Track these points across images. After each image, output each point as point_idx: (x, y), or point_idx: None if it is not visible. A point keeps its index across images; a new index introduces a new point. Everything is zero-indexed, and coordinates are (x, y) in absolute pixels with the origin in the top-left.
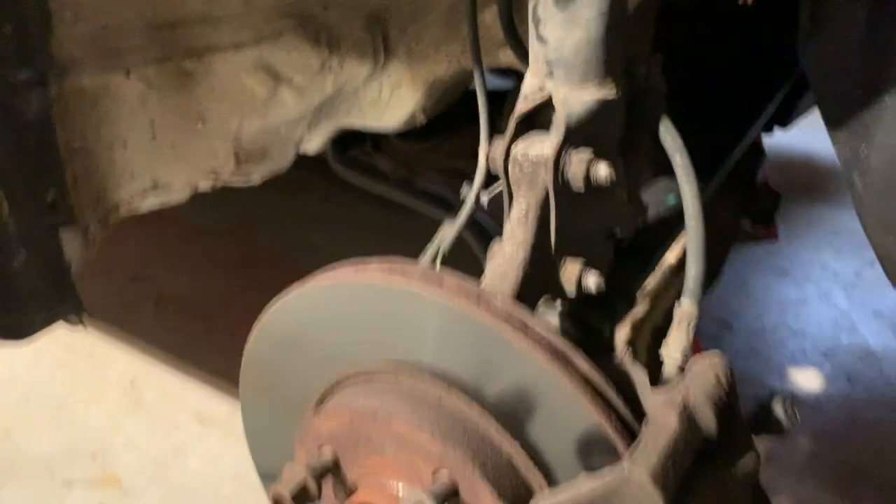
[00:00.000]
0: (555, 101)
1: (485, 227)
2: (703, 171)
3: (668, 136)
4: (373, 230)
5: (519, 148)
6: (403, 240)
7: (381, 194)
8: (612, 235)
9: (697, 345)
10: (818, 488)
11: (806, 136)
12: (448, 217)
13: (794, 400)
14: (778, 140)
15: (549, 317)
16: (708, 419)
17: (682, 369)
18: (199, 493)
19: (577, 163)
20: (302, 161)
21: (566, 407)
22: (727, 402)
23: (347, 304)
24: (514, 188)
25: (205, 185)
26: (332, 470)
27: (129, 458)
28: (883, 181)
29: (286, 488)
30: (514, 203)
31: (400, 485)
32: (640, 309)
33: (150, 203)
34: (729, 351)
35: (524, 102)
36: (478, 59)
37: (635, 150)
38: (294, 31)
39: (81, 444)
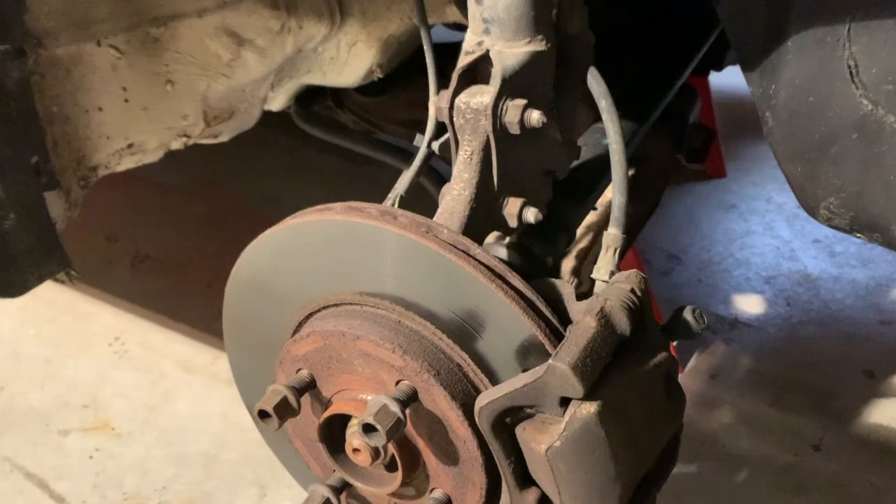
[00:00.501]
0: (491, 56)
1: (440, 173)
2: (637, 113)
3: (595, 82)
4: (336, 180)
5: (462, 98)
6: (366, 188)
7: (344, 146)
8: (549, 174)
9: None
10: (756, 400)
11: None
12: (406, 165)
13: (703, 309)
14: (725, 81)
15: (498, 247)
16: (622, 321)
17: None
18: (189, 433)
19: (513, 109)
20: (264, 118)
21: (505, 320)
22: (640, 309)
23: (313, 240)
24: (459, 135)
25: (177, 144)
26: (310, 388)
27: (120, 406)
28: (789, 115)
29: (269, 403)
30: (460, 148)
31: (369, 396)
32: (583, 241)
33: (127, 163)
34: (678, 282)
35: (464, 58)
36: (422, 16)
37: (568, 97)
38: None
39: (73, 395)
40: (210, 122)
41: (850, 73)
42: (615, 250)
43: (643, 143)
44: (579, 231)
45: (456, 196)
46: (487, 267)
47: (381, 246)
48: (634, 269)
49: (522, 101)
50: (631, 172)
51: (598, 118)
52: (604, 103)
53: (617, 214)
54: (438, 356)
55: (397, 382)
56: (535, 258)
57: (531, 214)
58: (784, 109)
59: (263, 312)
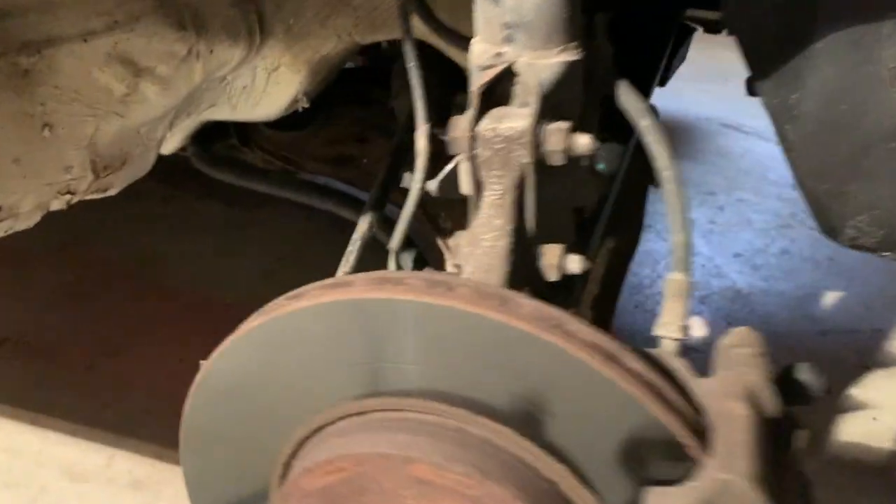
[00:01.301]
0: (518, 69)
1: (393, 219)
2: (620, 135)
3: (629, 97)
4: (224, 230)
5: (487, 125)
6: (255, 239)
7: (264, 191)
8: (578, 212)
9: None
10: None
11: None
12: (345, 209)
13: (815, 366)
14: None
15: None
16: (770, 401)
17: (685, 348)
18: None
19: (555, 134)
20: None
21: (621, 412)
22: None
23: (327, 328)
24: (483, 171)
25: (58, 203)
26: None
27: None
28: (816, 128)
29: None
30: (485, 187)
31: None
32: (592, 286)
33: None
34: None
35: (483, 73)
36: (407, 28)
37: (592, 116)
38: (153, 13)
39: None
40: (99, 174)
41: (890, 76)
42: (683, 298)
43: (627, 166)
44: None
45: (489, 249)
46: (594, 346)
47: (432, 328)
48: (746, 328)
49: (564, 125)
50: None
51: None
52: (645, 122)
53: (681, 255)
54: (526, 475)
55: None
56: None
57: (574, 263)
58: (810, 121)
59: (252, 432)
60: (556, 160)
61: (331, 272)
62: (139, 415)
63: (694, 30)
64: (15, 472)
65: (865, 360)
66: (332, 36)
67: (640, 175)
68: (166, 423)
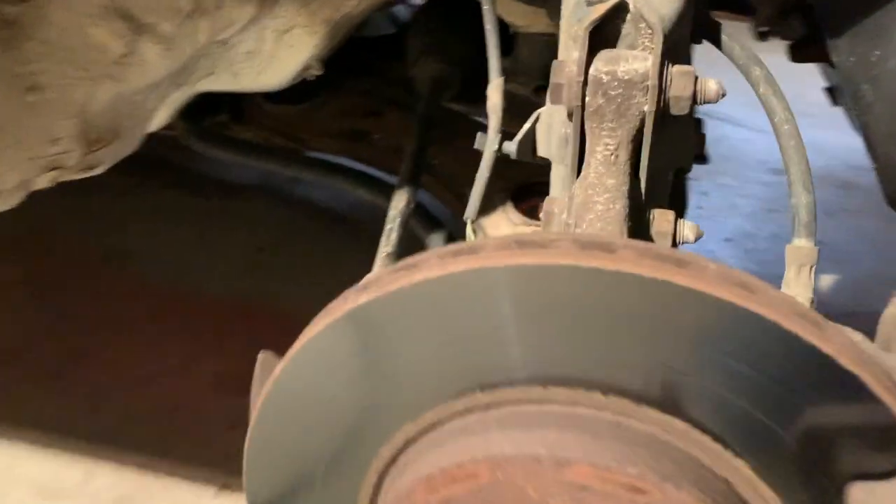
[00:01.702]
0: (634, 2)
1: (427, 209)
2: None
3: (737, 46)
4: (194, 221)
5: (601, 67)
6: (232, 230)
7: (267, 169)
8: (677, 174)
9: None
10: None
11: None
12: (360, 188)
13: None
14: None
15: None
16: None
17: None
18: None
19: (681, 78)
20: None
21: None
22: None
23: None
24: (593, 122)
25: (44, 181)
26: None
27: None
28: None
29: None
30: (593, 141)
31: None
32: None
33: None
34: None
35: (592, 10)
36: None
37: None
38: None
39: None
40: (91, 147)
41: None
42: (810, 268)
43: None
44: None
45: (603, 213)
46: (803, 315)
47: (595, 300)
48: None
49: (691, 68)
50: None
51: None
52: (758, 72)
53: (807, 220)
54: (702, 474)
55: None
56: None
57: (690, 231)
58: (893, 80)
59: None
60: (682, 108)
61: (317, 261)
62: (118, 423)
63: None
64: None
65: None
66: None
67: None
68: (149, 430)
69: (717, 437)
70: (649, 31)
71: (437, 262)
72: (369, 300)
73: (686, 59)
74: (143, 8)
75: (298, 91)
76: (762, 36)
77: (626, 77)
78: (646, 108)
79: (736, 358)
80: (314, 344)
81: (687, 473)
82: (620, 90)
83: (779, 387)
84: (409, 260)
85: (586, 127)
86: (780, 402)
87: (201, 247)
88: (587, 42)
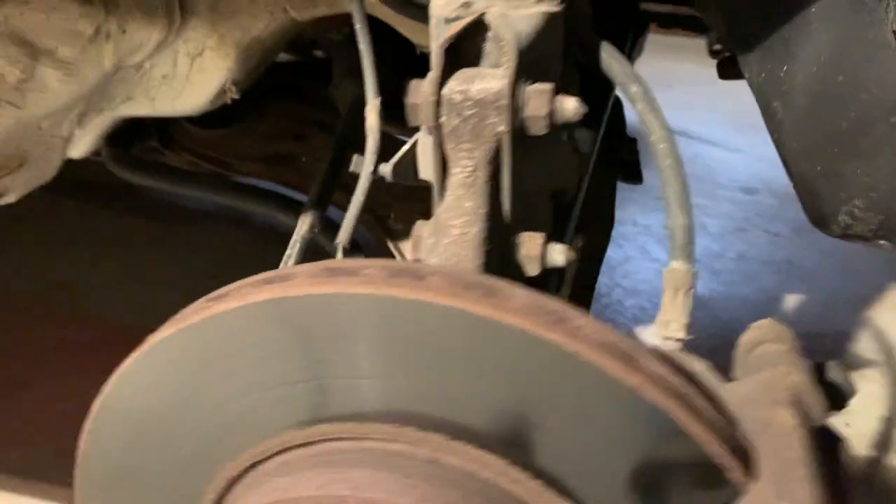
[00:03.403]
0: (490, 21)
1: (337, 223)
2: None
3: (616, 62)
4: (142, 249)
5: (454, 87)
6: (180, 257)
7: (192, 196)
8: (556, 197)
9: None
10: None
11: None
12: (283, 212)
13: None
14: None
15: None
16: (818, 405)
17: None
18: None
19: (537, 97)
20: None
21: (643, 428)
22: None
23: (244, 335)
24: (451, 143)
25: None
26: None
27: None
28: (809, 103)
29: None
30: (453, 163)
31: None
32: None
33: None
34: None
35: (448, 27)
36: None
37: (571, 82)
38: None
39: None
40: None
41: None
42: (686, 292)
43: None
44: None
45: (459, 237)
46: (607, 346)
47: (395, 330)
48: (769, 320)
49: (548, 86)
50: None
51: None
52: (635, 89)
53: (683, 242)
54: None
55: None
56: None
57: (559, 254)
58: (802, 95)
59: (165, 474)
60: (539, 128)
61: None
62: (49, 458)
63: (649, 20)
64: None
65: None
66: (264, 13)
67: (608, 170)
68: None
69: (538, 476)
70: None
71: (244, 291)
72: (174, 332)
73: (552, 77)
74: (40, 33)
75: (224, 115)
76: (714, 54)
77: (479, 96)
78: (501, 128)
79: (542, 390)
80: (134, 372)
81: None
82: (474, 110)
83: (593, 424)
84: (222, 289)
85: (445, 148)
86: (601, 439)
87: (147, 275)
88: (442, 60)
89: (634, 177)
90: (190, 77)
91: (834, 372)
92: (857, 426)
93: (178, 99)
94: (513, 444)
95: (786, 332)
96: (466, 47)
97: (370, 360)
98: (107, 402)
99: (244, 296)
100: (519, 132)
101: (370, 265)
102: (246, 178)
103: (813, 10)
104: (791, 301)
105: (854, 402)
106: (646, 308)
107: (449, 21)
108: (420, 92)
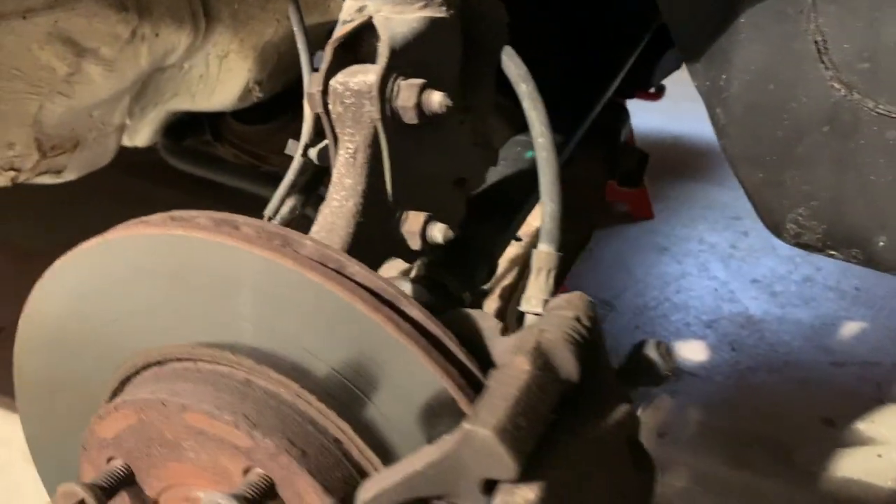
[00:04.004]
0: (375, 22)
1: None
2: (561, 126)
3: (512, 63)
4: None
5: (339, 79)
6: None
7: (226, 184)
8: (461, 184)
9: None
10: (712, 458)
11: (672, 119)
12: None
13: (667, 344)
14: (647, 123)
15: (400, 282)
16: (567, 361)
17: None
18: None
19: (407, 90)
20: (146, 172)
21: (403, 368)
22: (591, 345)
23: (124, 268)
24: (337, 128)
25: (2, 180)
26: (126, 484)
27: None
28: (745, 109)
29: None
30: (340, 146)
31: (208, 494)
32: (507, 278)
33: None
34: (613, 329)
35: (341, 27)
36: None
37: (479, 86)
38: None
39: None
40: (47, 153)
41: (818, 51)
42: (549, 272)
43: (571, 164)
44: (502, 266)
45: (336, 208)
46: (372, 292)
47: (218, 269)
48: (579, 293)
49: (419, 81)
50: None
51: (519, 130)
52: (524, 87)
53: (550, 227)
54: (306, 429)
55: (245, 471)
56: (448, 295)
57: (438, 232)
58: (738, 103)
59: (70, 373)
60: (409, 118)
61: None
62: None
63: None
64: None
65: (882, 394)
66: (272, 20)
67: (597, 171)
68: None
69: (322, 399)
70: None
71: (121, 230)
72: (82, 251)
73: (441, 75)
74: (84, 35)
75: (264, 114)
76: None
77: (356, 87)
78: (376, 116)
79: (318, 327)
80: (55, 276)
81: (287, 427)
82: (353, 99)
83: (351, 354)
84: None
85: (336, 132)
86: (360, 369)
87: None
88: (330, 56)
89: (631, 182)
90: (220, 76)
91: (651, 349)
92: (890, 457)
93: (212, 95)
94: (304, 373)
95: (586, 305)
96: (364, 47)
97: (210, 292)
98: (32, 305)
99: (130, 228)
100: (393, 121)
101: (200, 215)
102: (275, 169)
103: (742, 19)
104: (850, 329)
105: (893, 434)
106: (690, 325)
107: (345, 23)
108: (313, 84)
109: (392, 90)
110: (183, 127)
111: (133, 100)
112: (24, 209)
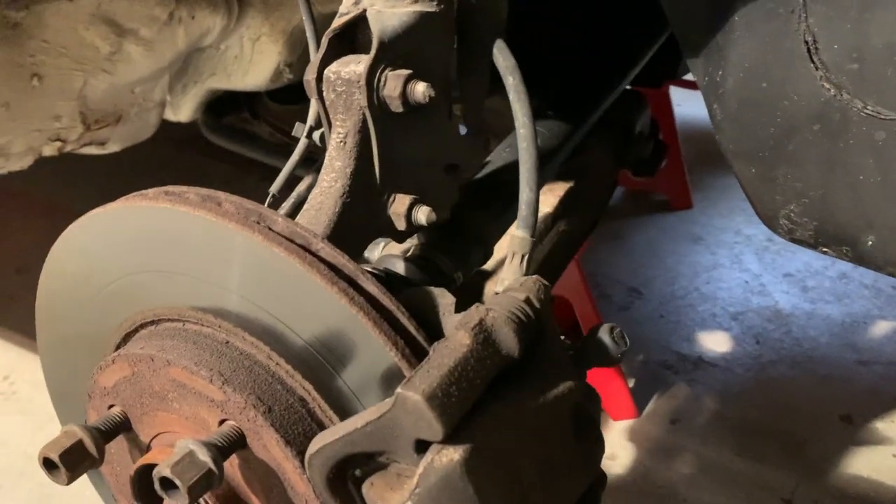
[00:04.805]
0: (368, 15)
1: None
2: (571, 114)
3: (501, 55)
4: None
5: (332, 68)
6: None
7: (257, 159)
8: (452, 170)
9: (597, 314)
10: (722, 448)
11: None
12: None
13: (619, 328)
14: (692, 111)
15: (393, 260)
16: (507, 338)
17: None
18: (68, 490)
19: (393, 80)
20: (203, 146)
21: (360, 338)
22: (538, 325)
23: (123, 235)
24: (330, 113)
25: (50, 149)
26: (123, 429)
27: None
28: (739, 105)
29: (55, 449)
30: (332, 130)
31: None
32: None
33: None
34: (638, 316)
35: (337, 20)
36: None
37: (473, 76)
38: None
39: None
40: (91, 126)
41: (808, 50)
42: (522, 257)
43: (580, 152)
44: (503, 250)
45: (325, 189)
46: (332, 266)
47: (202, 241)
48: (535, 276)
49: (405, 72)
50: (569, 185)
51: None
52: (511, 80)
53: (525, 213)
54: (274, 388)
55: (221, 423)
56: (440, 273)
57: (422, 214)
58: (733, 99)
59: (79, 326)
60: (395, 106)
61: None
62: None
63: None
64: (32, 403)
65: None
66: (299, 6)
67: (608, 160)
68: None
69: (290, 362)
70: None
71: (121, 201)
72: (88, 218)
73: (431, 66)
74: (125, 16)
75: (299, 92)
76: None
77: (347, 76)
78: (364, 103)
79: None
80: (68, 239)
81: (258, 385)
82: (344, 87)
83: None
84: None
85: (329, 118)
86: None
87: None
88: (325, 46)
89: (645, 172)
90: (253, 58)
91: (604, 332)
92: None
93: (246, 75)
94: (274, 337)
95: (538, 288)
96: (360, 38)
97: (196, 261)
98: (51, 261)
99: (129, 200)
100: (380, 109)
101: (189, 191)
102: None
103: (736, 17)
104: (881, 328)
105: None
106: (716, 316)
107: (342, 15)
108: (309, 71)
109: (380, 80)
110: (222, 105)
111: (174, 77)
112: (87, 178)
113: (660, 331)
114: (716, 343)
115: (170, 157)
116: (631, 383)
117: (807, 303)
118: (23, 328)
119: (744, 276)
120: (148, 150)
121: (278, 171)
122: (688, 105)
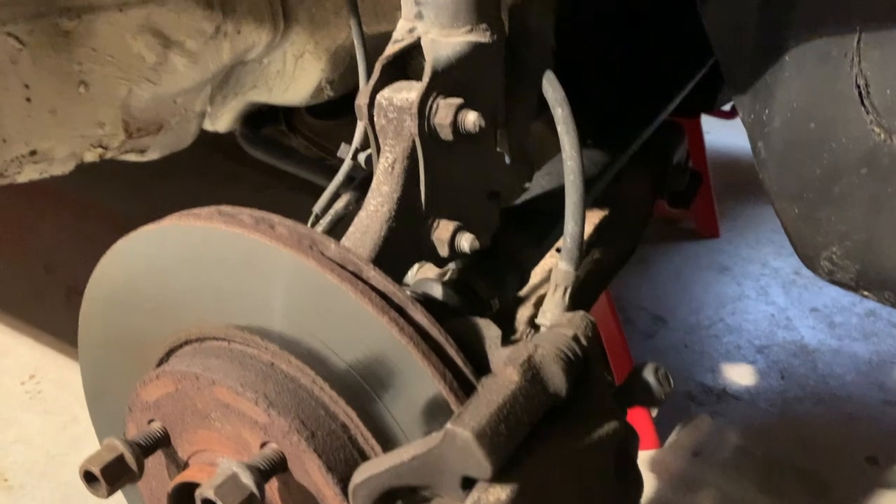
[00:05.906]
0: (423, 44)
1: None
2: (610, 145)
3: (550, 87)
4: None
5: (384, 94)
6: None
7: (292, 172)
8: (495, 197)
9: (623, 341)
10: (743, 482)
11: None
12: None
13: (666, 368)
14: (722, 140)
15: (431, 284)
16: (556, 376)
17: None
18: None
19: (444, 109)
20: (233, 151)
21: (407, 367)
22: (585, 363)
23: (174, 253)
24: (380, 139)
25: (91, 155)
26: (162, 445)
27: (19, 454)
28: (785, 145)
29: (97, 463)
30: (381, 155)
31: (226, 461)
32: (544, 287)
33: (30, 173)
34: (662, 345)
35: (391, 46)
36: (354, 5)
37: (519, 105)
38: None
39: None
40: (133, 134)
41: (860, 94)
42: (565, 290)
43: (618, 181)
44: (539, 275)
45: (372, 213)
46: (382, 294)
47: (253, 263)
48: (581, 312)
49: (457, 101)
50: (603, 213)
51: None
52: (560, 112)
53: (570, 246)
54: (317, 413)
55: (262, 445)
56: (477, 299)
57: (466, 241)
58: (779, 138)
59: (123, 340)
60: (445, 135)
61: None
62: None
63: None
64: (57, 402)
65: None
66: (345, 25)
67: (645, 189)
68: None
69: (334, 387)
70: None
71: (173, 219)
72: (139, 235)
73: (481, 95)
74: (172, 28)
75: (337, 108)
76: None
77: (399, 103)
78: (414, 130)
79: (333, 325)
80: (117, 255)
81: (301, 409)
82: (395, 114)
83: (365, 353)
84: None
85: (378, 143)
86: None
87: None
88: (379, 72)
89: (681, 203)
90: (295, 74)
91: (648, 372)
92: None
93: (287, 91)
94: (319, 361)
95: (586, 325)
96: (414, 65)
97: (246, 282)
98: (96, 278)
99: (181, 219)
100: (430, 137)
101: (242, 212)
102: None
103: (787, 57)
104: None
105: None
106: (741, 348)
107: (396, 42)
108: (361, 96)
109: (431, 108)
110: (260, 116)
111: (216, 88)
112: (123, 181)
113: (684, 361)
114: (740, 376)
115: (199, 161)
116: (653, 413)
117: (833, 339)
118: (50, 327)
119: (770, 309)
120: (177, 153)
121: (309, 182)
122: (716, 133)
